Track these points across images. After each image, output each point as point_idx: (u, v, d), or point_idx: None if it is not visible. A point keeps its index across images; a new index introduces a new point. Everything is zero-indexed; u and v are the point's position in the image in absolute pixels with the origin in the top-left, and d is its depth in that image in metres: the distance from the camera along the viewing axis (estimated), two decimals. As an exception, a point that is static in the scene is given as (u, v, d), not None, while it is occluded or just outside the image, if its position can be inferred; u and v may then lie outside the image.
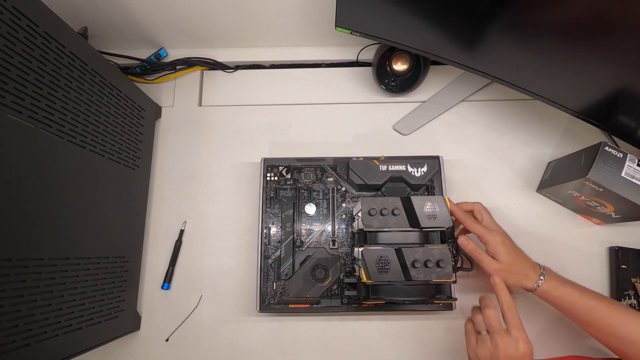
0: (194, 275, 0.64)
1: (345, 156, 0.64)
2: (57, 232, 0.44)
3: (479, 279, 0.61)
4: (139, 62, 0.73)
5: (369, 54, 0.73)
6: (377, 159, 0.61)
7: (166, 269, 0.64)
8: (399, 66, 0.66)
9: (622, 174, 0.52)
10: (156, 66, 0.74)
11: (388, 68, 0.67)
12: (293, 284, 0.57)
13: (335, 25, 0.61)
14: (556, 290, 0.49)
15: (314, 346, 0.60)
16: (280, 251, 0.60)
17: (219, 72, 0.76)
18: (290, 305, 0.58)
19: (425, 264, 0.48)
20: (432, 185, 0.62)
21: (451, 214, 0.52)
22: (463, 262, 0.51)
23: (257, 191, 0.64)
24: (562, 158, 0.63)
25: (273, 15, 0.68)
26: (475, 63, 0.59)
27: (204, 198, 0.68)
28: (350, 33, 0.62)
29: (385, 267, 0.49)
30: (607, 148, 0.53)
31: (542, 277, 0.49)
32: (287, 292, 0.58)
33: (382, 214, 0.51)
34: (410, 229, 0.51)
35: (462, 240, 0.51)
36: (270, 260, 0.60)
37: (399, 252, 0.49)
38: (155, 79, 0.74)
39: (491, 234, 0.51)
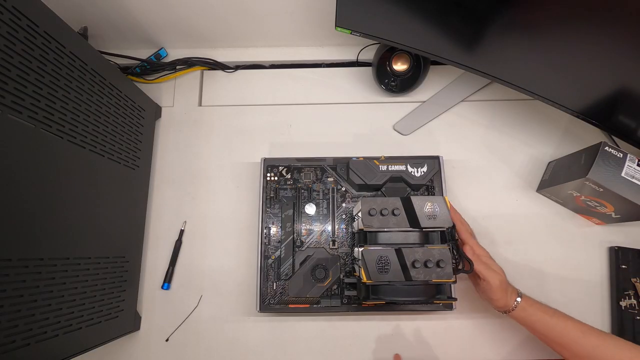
0: (194, 275, 0.64)
1: (345, 156, 0.64)
2: (57, 232, 0.44)
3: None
4: (139, 62, 0.73)
5: (369, 54, 0.73)
6: (377, 159, 0.61)
7: (166, 269, 0.64)
8: (399, 66, 0.66)
9: (622, 174, 0.52)
10: (156, 66, 0.74)
11: (388, 68, 0.67)
12: (293, 284, 0.57)
13: (335, 25, 0.61)
14: (532, 307, 0.50)
15: (314, 346, 0.60)
16: (280, 251, 0.60)
17: (219, 72, 0.76)
18: (290, 305, 0.58)
19: (425, 264, 0.48)
20: (432, 185, 0.62)
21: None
22: (463, 264, 0.51)
23: (257, 191, 0.64)
24: (562, 158, 0.63)
25: (273, 15, 0.68)
26: (475, 63, 0.59)
27: (204, 198, 0.68)
28: (350, 33, 0.62)
29: (385, 267, 0.49)
30: (607, 148, 0.53)
31: (520, 296, 0.51)
32: (287, 292, 0.58)
33: (382, 214, 0.51)
34: (410, 229, 0.51)
35: (469, 250, 0.52)
36: (270, 260, 0.60)
37: (399, 252, 0.49)
38: (155, 79, 0.74)
39: (483, 249, 0.53)
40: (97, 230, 0.52)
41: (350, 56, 0.76)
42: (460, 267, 0.51)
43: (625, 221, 0.59)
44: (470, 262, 0.50)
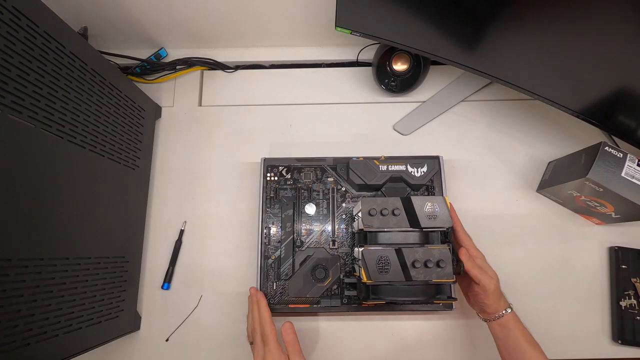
0: (194, 275, 0.64)
1: (345, 156, 0.64)
2: (57, 232, 0.44)
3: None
4: (139, 62, 0.73)
5: (369, 54, 0.73)
6: (377, 159, 0.61)
7: (166, 269, 0.64)
8: (399, 66, 0.66)
9: (622, 174, 0.52)
10: (156, 66, 0.74)
11: (388, 68, 0.67)
12: (293, 284, 0.57)
13: (335, 25, 0.61)
14: (516, 324, 0.49)
15: (314, 346, 0.60)
16: (280, 251, 0.60)
17: (219, 72, 0.76)
18: (290, 305, 0.58)
19: (425, 264, 0.48)
20: (432, 185, 0.62)
21: (450, 216, 0.53)
22: (455, 265, 0.51)
23: (257, 191, 0.64)
24: (562, 158, 0.63)
25: (273, 16, 0.68)
26: (475, 63, 0.59)
27: (204, 198, 0.68)
28: (350, 33, 0.62)
29: (386, 267, 0.49)
30: (607, 148, 0.53)
31: (511, 307, 0.50)
32: (287, 292, 0.58)
33: (382, 214, 0.51)
34: (411, 229, 0.51)
35: (465, 253, 0.51)
36: (270, 260, 0.60)
37: (399, 252, 0.49)
38: (155, 79, 0.74)
39: (478, 251, 0.52)
40: (97, 230, 0.52)
41: (350, 56, 0.76)
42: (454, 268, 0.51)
43: (625, 221, 0.59)
44: (461, 263, 0.50)
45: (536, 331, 0.49)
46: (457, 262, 0.51)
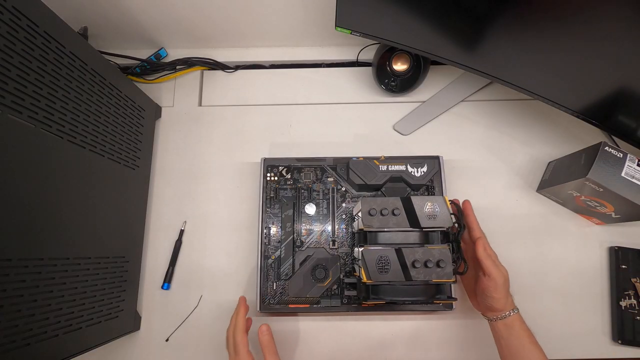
0: (194, 275, 0.64)
1: (345, 156, 0.64)
2: (57, 232, 0.44)
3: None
4: (139, 62, 0.73)
5: (369, 54, 0.73)
6: (377, 159, 0.61)
7: (166, 269, 0.64)
8: (399, 66, 0.66)
9: (622, 174, 0.52)
10: (156, 66, 0.74)
11: (388, 68, 0.67)
12: (293, 284, 0.57)
13: (335, 25, 0.61)
14: (522, 325, 0.49)
15: (314, 346, 0.60)
16: (280, 251, 0.60)
17: (219, 72, 0.76)
18: (290, 305, 0.58)
19: (425, 264, 0.48)
20: (432, 185, 0.62)
21: (465, 213, 0.54)
22: (459, 265, 0.51)
23: (257, 191, 0.64)
24: (562, 158, 0.63)
25: (273, 15, 0.68)
26: (475, 63, 0.59)
27: (204, 198, 0.68)
28: (350, 33, 0.62)
29: (386, 267, 0.49)
30: (607, 148, 0.53)
31: (517, 308, 0.50)
32: (287, 292, 0.58)
33: (382, 214, 0.51)
34: (411, 229, 0.51)
35: (482, 244, 0.51)
36: (270, 260, 0.60)
37: (399, 252, 0.49)
38: (155, 79, 0.74)
39: (492, 250, 0.52)
40: (97, 230, 0.52)
41: (350, 56, 0.76)
42: (457, 267, 0.51)
43: (625, 221, 0.59)
44: (466, 263, 0.50)
45: (536, 331, 0.49)
46: (461, 261, 0.51)
